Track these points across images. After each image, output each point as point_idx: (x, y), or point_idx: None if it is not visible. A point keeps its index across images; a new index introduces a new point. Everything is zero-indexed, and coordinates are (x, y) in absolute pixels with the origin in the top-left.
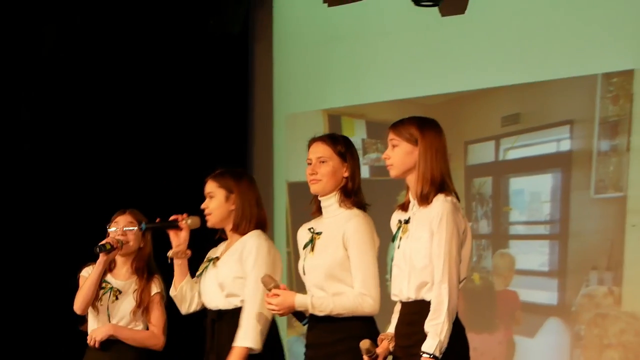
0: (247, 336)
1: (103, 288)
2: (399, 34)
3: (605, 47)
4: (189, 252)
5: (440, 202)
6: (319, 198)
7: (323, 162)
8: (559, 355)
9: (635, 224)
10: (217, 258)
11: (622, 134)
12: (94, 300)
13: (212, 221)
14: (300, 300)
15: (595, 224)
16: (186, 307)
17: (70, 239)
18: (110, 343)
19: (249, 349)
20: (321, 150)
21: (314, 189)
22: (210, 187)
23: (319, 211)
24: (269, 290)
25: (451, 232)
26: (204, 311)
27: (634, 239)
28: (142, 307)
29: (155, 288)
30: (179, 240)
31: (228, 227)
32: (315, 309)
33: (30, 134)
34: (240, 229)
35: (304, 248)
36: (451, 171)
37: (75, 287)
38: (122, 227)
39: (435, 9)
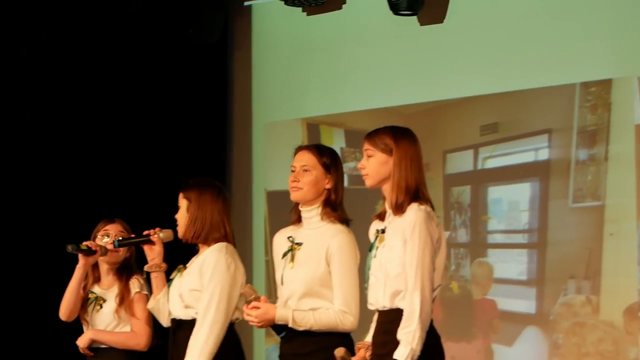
0: (193, 356)
1: (89, 299)
2: (378, 43)
3: (583, 56)
4: (164, 265)
5: (414, 211)
6: (301, 208)
7: (306, 170)
8: None
9: (613, 233)
10: (185, 267)
11: (600, 143)
12: (83, 313)
13: (179, 232)
14: (280, 314)
15: (573, 232)
16: (165, 319)
17: (48, 249)
18: (101, 350)
19: None
20: (306, 158)
21: (293, 196)
22: (180, 198)
23: (299, 220)
24: (249, 302)
25: (424, 240)
26: None
27: (612, 247)
28: (123, 306)
29: (134, 287)
30: (153, 254)
31: (194, 238)
32: (295, 323)
33: (5, 142)
34: (201, 240)
35: (282, 257)
36: (430, 180)
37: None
38: (114, 236)
39: (414, 18)
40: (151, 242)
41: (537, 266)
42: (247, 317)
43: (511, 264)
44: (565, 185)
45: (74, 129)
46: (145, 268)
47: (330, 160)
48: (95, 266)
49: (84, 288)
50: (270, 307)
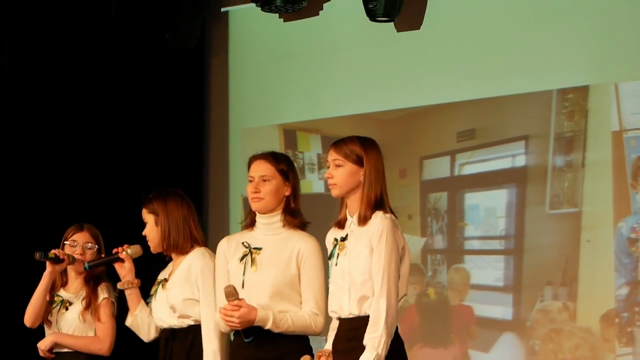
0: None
1: (54, 302)
2: (355, 49)
3: (560, 63)
4: (137, 281)
5: (380, 219)
6: (259, 215)
7: (265, 180)
8: None
9: (590, 240)
10: (166, 280)
11: (577, 150)
12: (46, 315)
13: (151, 247)
14: (262, 315)
15: (550, 239)
16: (146, 333)
17: (20, 255)
18: (63, 354)
19: None
20: (263, 168)
21: (255, 206)
22: (143, 213)
23: (251, 225)
24: (229, 302)
25: (390, 247)
26: None
27: (589, 254)
28: (90, 310)
29: (102, 294)
30: (124, 271)
31: (168, 250)
32: (275, 324)
33: None
34: (177, 250)
35: (240, 261)
36: (406, 186)
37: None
38: (80, 246)
39: (391, 24)
40: (121, 260)
41: (514, 272)
42: (226, 317)
43: (488, 270)
44: (542, 192)
45: (48, 133)
46: (119, 286)
47: (287, 167)
48: (64, 271)
49: (50, 291)
50: (252, 308)
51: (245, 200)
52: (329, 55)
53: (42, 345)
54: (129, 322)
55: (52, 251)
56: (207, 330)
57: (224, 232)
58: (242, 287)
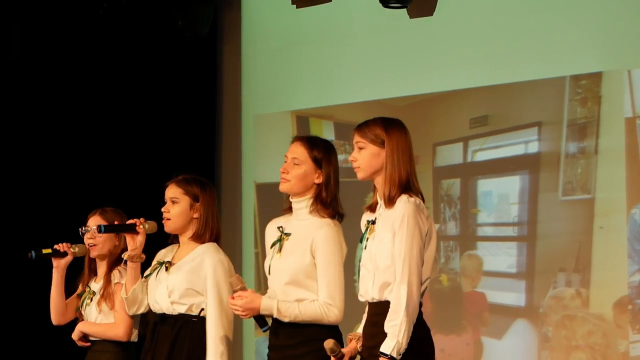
0: (215, 355)
1: (84, 293)
2: (368, 35)
3: (573, 49)
4: (143, 256)
5: (403, 203)
6: (291, 198)
7: (296, 164)
8: (527, 356)
9: (603, 226)
10: (170, 263)
11: (590, 137)
12: (76, 308)
13: (171, 227)
14: (265, 304)
15: (563, 226)
16: (134, 309)
17: (40, 242)
18: (95, 342)
19: None
20: (298, 151)
21: (281, 187)
22: (174, 192)
23: (290, 209)
24: (234, 292)
25: (412, 232)
26: None
27: (602, 241)
28: (104, 297)
29: (114, 278)
30: (135, 244)
31: (185, 234)
32: (280, 313)
33: None
34: (200, 239)
35: (271, 247)
36: (419, 173)
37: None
38: (92, 230)
39: (404, 10)
40: (135, 232)
41: (527, 259)
42: (231, 307)
43: (501, 257)
44: (555, 178)
45: (63, 122)
46: (126, 257)
47: (322, 155)
48: (93, 261)
49: (82, 284)
50: (255, 297)
51: (258, 187)
52: (342, 41)
53: (73, 336)
54: (124, 295)
55: (55, 246)
56: (212, 328)
57: (236, 219)
58: (269, 273)
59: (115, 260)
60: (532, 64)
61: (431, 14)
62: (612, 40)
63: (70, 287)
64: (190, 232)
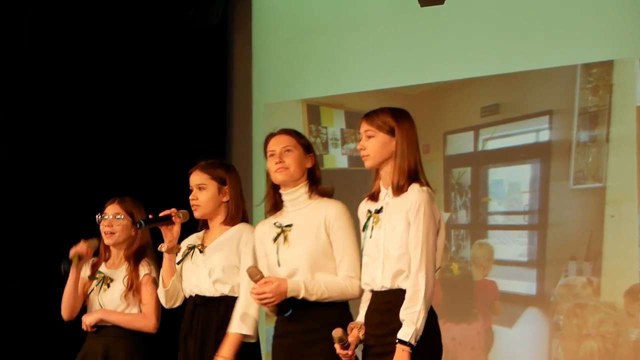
0: (245, 323)
1: (96, 278)
2: (378, 24)
3: (585, 37)
4: (179, 246)
5: (417, 192)
6: (283, 191)
7: (288, 150)
8: (538, 345)
9: (614, 215)
10: (202, 245)
11: (601, 125)
12: (86, 289)
13: (201, 212)
14: (292, 285)
15: (574, 214)
16: (173, 301)
17: (58, 232)
18: (105, 329)
19: (244, 336)
20: (285, 140)
21: (280, 178)
22: (201, 178)
23: (275, 207)
24: (255, 281)
25: (428, 221)
26: None
27: (613, 229)
28: (132, 290)
29: (143, 270)
30: (172, 235)
31: (216, 219)
32: (308, 292)
33: (12, 130)
34: (233, 221)
35: (274, 241)
36: (430, 162)
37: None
38: (109, 219)
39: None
40: (172, 223)
41: (538, 248)
42: (259, 295)
43: (512, 246)
44: (567, 167)
45: (77, 114)
46: (163, 249)
47: (307, 142)
48: (106, 246)
49: (93, 267)
50: (281, 280)
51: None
52: (353, 30)
53: (88, 320)
54: (165, 288)
55: (72, 254)
56: (244, 297)
57: (248, 208)
58: (279, 265)
59: (136, 251)
60: (543, 53)
61: (442, 3)
62: (623, 29)
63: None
64: (221, 216)
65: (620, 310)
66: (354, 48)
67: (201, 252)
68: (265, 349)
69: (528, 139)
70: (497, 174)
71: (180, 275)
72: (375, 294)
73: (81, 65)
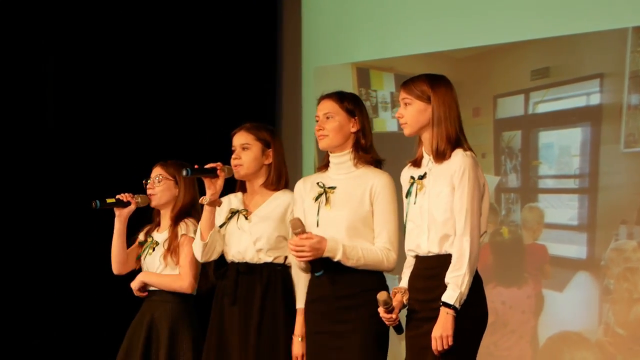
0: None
1: (145, 242)
2: None
3: (636, 0)
4: (221, 200)
5: (461, 157)
6: (331, 154)
7: (329, 117)
8: (588, 309)
9: None
10: (247, 211)
11: None
12: (137, 257)
13: (243, 172)
14: (331, 245)
15: (624, 178)
16: (208, 255)
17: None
18: (153, 294)
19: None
20: (328, 106)
21: (321, 144)
22: (246, 138)
23: (325, 167)
24: (296, 234)
25: (473, 186)
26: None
27: None
28: (170, 251)
29: (181, 230)
30: (215, 188)
31: (256, 181)
32: (345, 255)
33: (59, 96)
34: (274, 186)
35: (315, 200)
36: (480, 125)
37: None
38: (152, 181)
39: None
40: (216, 176)
41: (588, 211)
42: (297, 248)
43: (562, 209)
44: (617, 131)
45: (127, 77)
46: (205, 202)
47: (352, 105)
48: (158, 213)
49: (147, 233)
50: (322, 238)
51: None
52: None
53: (133, 285)
54: (203, 241)
55: (117, 196)
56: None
57: (297, 171)
58: (317, 225)
59: (179, 212)
60: (594, 15)
61: None
62: None
63: (131, 239)
64: (261, 179)
65: None
66: (404, 11)
67: (246, 218)
68: None
69: (578, 102)
70: (548, 137)
71: (223, 238)
72: (420, 259)
73: (135, 28)
